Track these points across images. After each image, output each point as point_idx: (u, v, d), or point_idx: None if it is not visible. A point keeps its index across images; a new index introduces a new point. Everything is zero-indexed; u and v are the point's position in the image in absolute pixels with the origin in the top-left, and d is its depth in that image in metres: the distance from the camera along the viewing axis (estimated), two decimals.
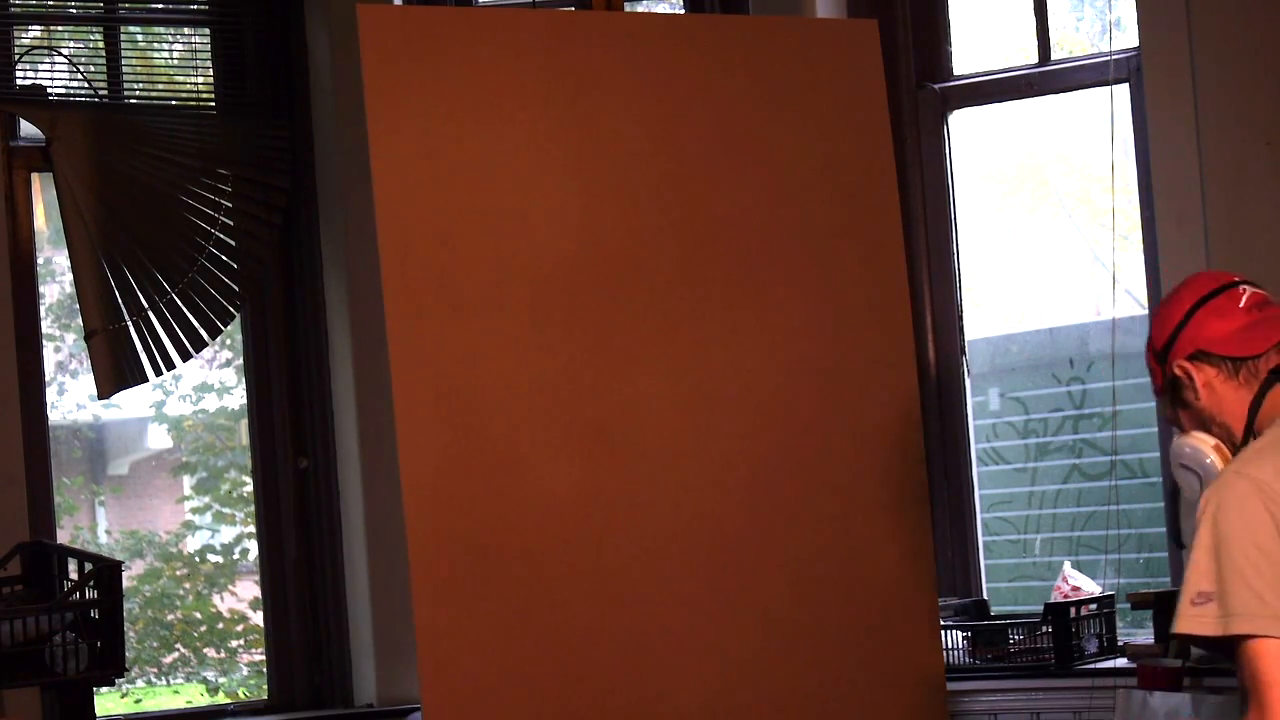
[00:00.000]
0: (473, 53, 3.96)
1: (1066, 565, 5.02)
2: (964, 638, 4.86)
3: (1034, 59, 5.25)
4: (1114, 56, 4.99)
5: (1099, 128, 5.02)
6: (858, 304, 4.22)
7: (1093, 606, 4.83)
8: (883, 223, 4.28)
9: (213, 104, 5.25)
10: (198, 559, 6.55)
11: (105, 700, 5.68)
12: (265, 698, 5.26)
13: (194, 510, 6.71)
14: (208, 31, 5.26)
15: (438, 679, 3.74)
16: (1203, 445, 2.80)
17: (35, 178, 5.03)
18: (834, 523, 4.13)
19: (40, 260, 5.48)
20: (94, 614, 4.09)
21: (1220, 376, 2.78)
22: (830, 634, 4.09)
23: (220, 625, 6.40)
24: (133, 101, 5.17)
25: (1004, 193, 5.97)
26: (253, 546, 5.86)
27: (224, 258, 5.08)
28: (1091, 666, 4.72)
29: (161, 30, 5.43)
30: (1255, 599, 2.47)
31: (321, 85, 5.22)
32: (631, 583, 3.94)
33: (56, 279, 6.49)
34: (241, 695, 6.08)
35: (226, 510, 6.59)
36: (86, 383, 6.31)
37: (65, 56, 5.07)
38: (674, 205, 4.08)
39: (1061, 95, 5.27)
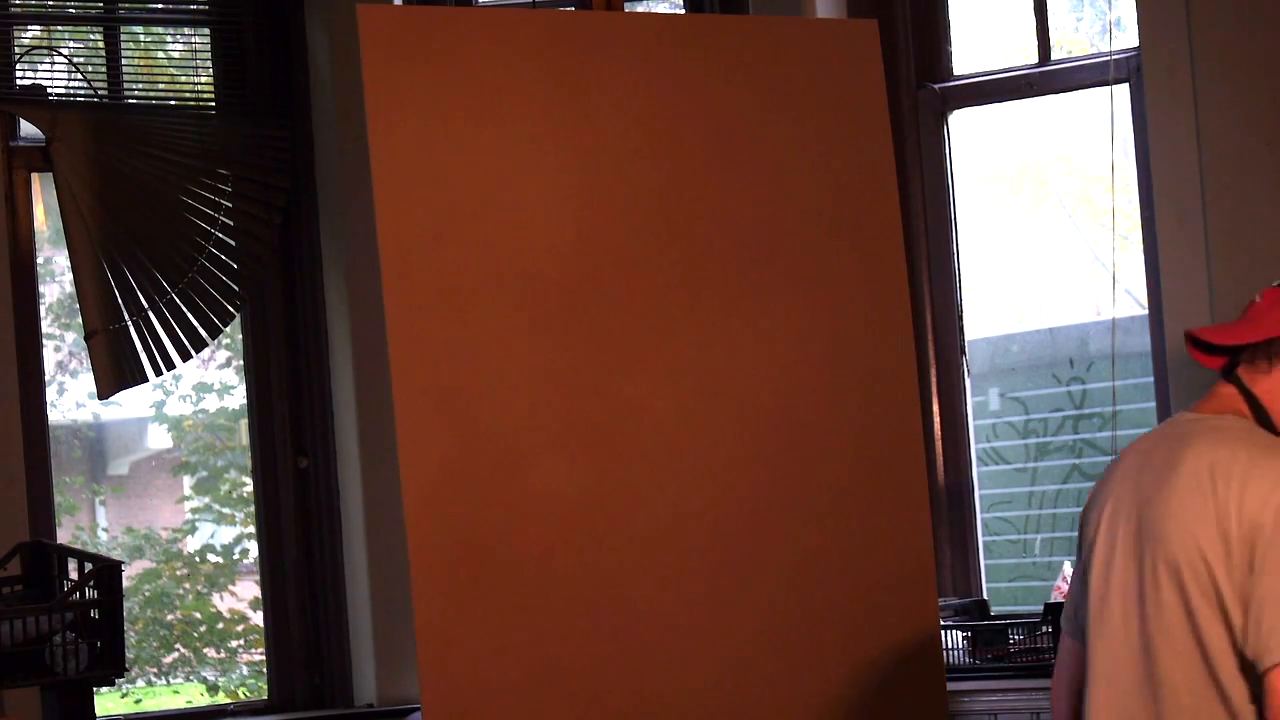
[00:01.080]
0: (472, 53, 3.96)
1: (1066, 565, 5.02)
2: (964, 638, 4.86)
3: (1034, 59, 5.25)
4: (1114, 56, 4.99)
5: (1099, 128, 5.02)
6: (858, 304, 4.21)
7: None
8: (883, 223, 4.27)
9: (213, 104, 5.25)
10: (198, 559, 6.54)
11: (105, 700, 5.68)
12: (265, 698, 5.26)
13: (194, 510, 6.71)
14: (208, 31, 5.26)
15: (438, 679, 3.74)
16: None
17: (35, 178, 5.03)
18: (834, 522, 4.12)
19: (40, 260, 5.48)
20: (94, 614, 4.08)
21: None
22: (830, 634, 4.09)
23: (220, 625, 6.39)
24: (133, 101, 5.17)
25: (1004, 193, 5.97)
26: (253, 546, 5.85)
27: (224, 258, 5.08)
28: None
29: (161, 30, 5.43)
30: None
31: (321, 85, 5.22)
32: (631, 583, 3.94)
33: (56, 279, 6.48)
34: (241, 695, 6.08)
35: (226, 510, 6.58)
36: (86, 382, 6.31)
37: (65, 56, 5.07)
38: (673, 205, 4.08)
39: (1061, 95, 5.27)
